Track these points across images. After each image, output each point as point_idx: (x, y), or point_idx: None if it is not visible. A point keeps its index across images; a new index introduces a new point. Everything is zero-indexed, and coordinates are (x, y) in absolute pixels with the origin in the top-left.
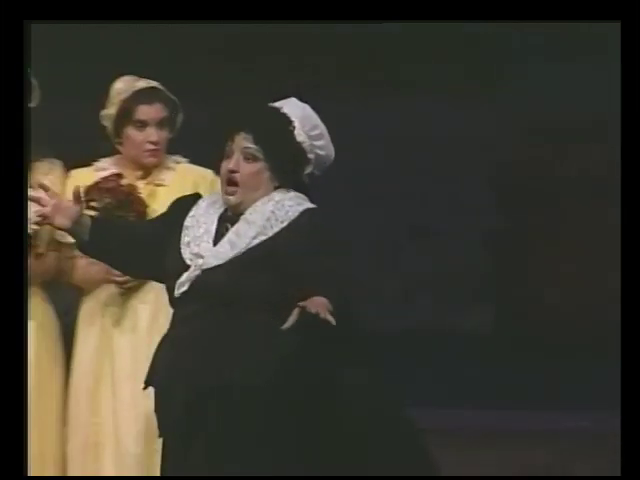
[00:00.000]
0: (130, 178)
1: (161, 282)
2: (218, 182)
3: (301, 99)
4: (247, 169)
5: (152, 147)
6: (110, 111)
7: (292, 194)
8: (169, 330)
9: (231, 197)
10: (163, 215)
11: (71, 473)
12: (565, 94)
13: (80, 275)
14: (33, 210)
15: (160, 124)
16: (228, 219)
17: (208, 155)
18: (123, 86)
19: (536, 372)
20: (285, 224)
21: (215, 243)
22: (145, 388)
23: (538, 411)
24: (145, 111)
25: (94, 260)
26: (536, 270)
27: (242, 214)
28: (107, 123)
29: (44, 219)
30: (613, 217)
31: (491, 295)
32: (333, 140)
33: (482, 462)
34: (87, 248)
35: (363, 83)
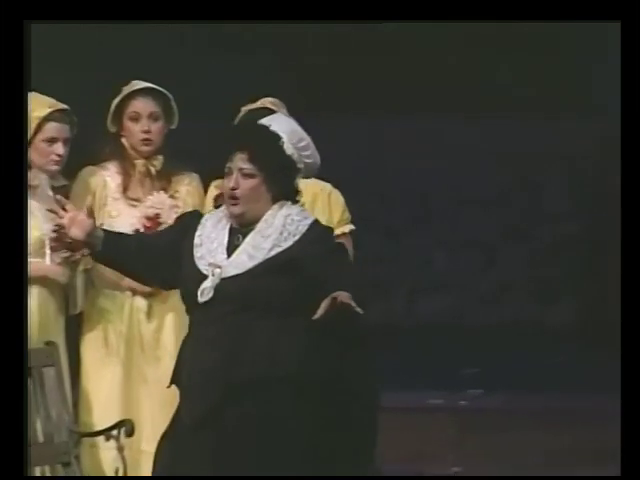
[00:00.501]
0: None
1: (171, 289)
2: (335, 193)
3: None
4: (246, 185)
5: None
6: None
7: (297, 209)
8: (192, 332)
9: (235, 207)
10: (171, 227)
11: None
12: None
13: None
14: (51, 222)
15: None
16: (237, 231)
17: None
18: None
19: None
20: (297, 237)
21: (229, 254)
22: (169, 386)
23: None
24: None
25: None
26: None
27: (248, 224)
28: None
29: (60, 230)
30: None
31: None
32: (442, 154)
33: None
34: (100, 257)
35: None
